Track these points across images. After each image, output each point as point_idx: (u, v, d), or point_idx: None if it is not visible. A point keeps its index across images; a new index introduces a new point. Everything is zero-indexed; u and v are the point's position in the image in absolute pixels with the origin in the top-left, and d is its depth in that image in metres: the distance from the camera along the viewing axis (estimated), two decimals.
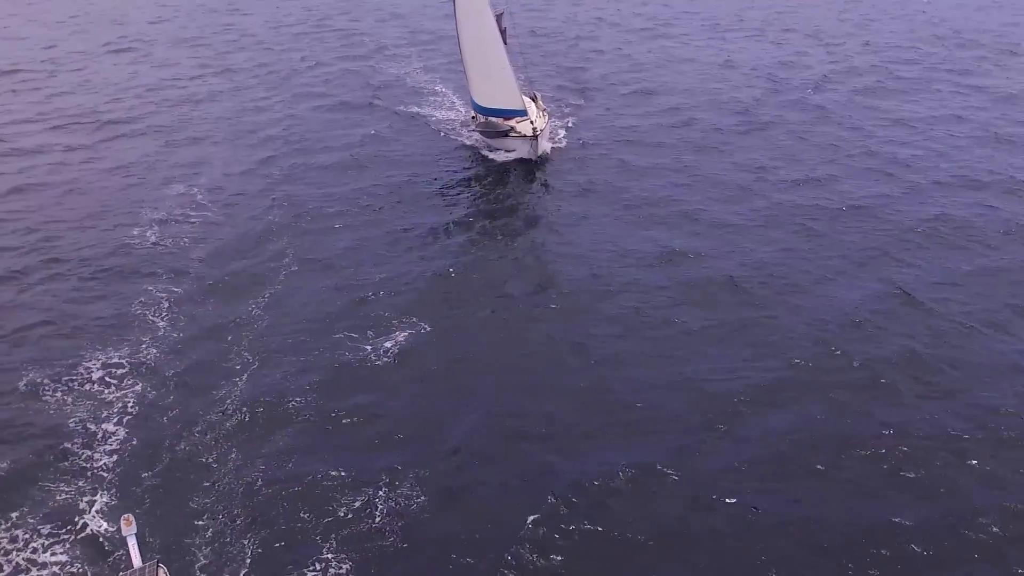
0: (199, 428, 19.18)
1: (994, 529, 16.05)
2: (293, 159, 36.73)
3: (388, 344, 22.07)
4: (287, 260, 27.00)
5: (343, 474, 17.68)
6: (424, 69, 53.05)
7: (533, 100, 38.30)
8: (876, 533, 15.99)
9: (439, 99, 46.09)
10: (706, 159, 35.55)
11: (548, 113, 38.45)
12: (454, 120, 42.01)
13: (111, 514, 16.58)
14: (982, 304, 23.86)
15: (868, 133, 38.56)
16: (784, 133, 38.61)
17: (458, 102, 44.39)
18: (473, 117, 37.81)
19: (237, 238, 28.94)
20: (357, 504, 16.86)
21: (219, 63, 56.80)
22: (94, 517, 16.62)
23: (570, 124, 39.97)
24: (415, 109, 44.24)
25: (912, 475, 17.39)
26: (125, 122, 43.15)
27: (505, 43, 36.06)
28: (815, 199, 30.93)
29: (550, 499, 16.76)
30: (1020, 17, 67.73)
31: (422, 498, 16.98)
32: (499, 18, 35.98)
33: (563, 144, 37.04)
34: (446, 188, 33.13)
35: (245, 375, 21.05)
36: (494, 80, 35.31)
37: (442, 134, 39.86)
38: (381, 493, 17.08)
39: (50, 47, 61.87)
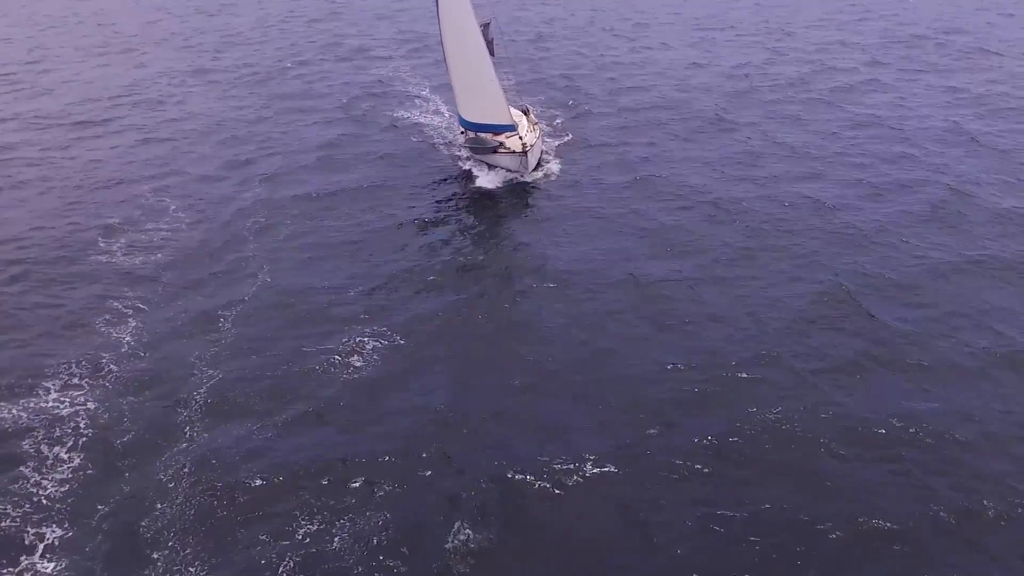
0: (156, 449, 18.36)
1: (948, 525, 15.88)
2: (269, 164, 35.89)
3: (356, 362, 21.31)
4: (258, 268, 26.19)
5: (305, 497, 16.94)
6: (411, 69, 52.65)
7: (525, 113, 36.94)
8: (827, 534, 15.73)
9: (424, 103, 45.40)
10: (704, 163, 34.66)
11: (540, 127, 37.00)
12: (438, 125, 41.27)
13: (60, 550, 15.79)
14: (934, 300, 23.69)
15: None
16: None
17: (443, 106, 43.64)
18: (463, 132, 36.40)
19: (208, 245, 28.15)
20: (315, 528, 16.17)
21: (201, 65, 56.27)
22: (43, 554, 15.77)
23: (564, 137, 38.55)
24: (400, 113, 43.54)
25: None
26: (99, 123, 42.48)
27: (492, 55, 34.65)
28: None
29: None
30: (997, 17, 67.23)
31: (382, 523, 16.24)
32: (485, 28, 34.54)
33: (555, 162, 35.35)
34: (427, 201, 32.13)
35: (207, 391, 20.22)
36: (480, 94, 33.84)
37: (427, 142, 38.94)
38: (344, 520, 16.34)
39: (35, 48, 61.06)
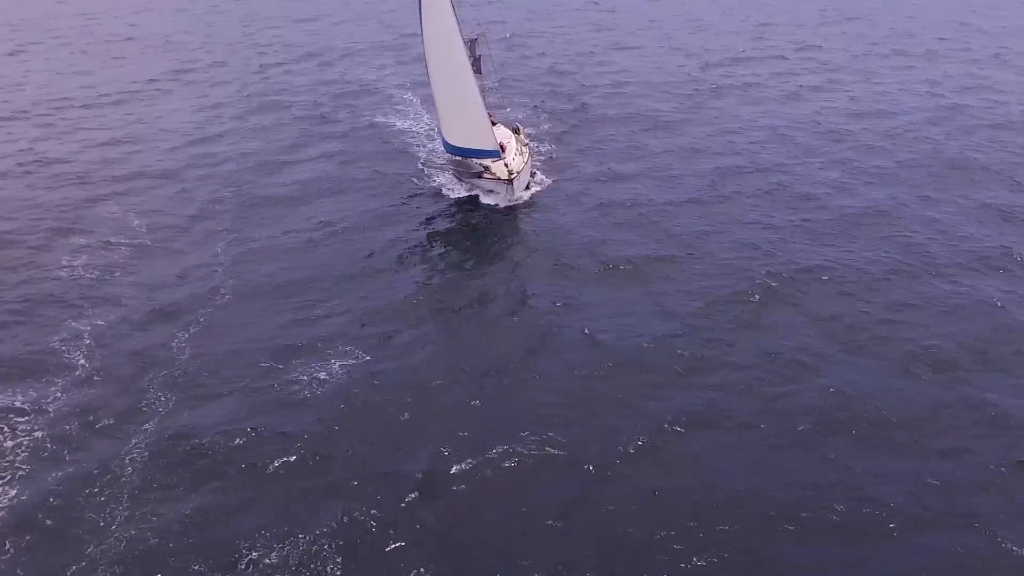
0: (98, 482, 17.44)
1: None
2: (240, 179, 34.95)
3: (323, 380, 20.53)
4: (222, 291, 25.34)
5: (256, 525, 16.16)
6: (395, 75, 51.87)
7: (516, 132, 35.47)
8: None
9: (406, 108, 44.54)
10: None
11: (529, 149, 35.00)
12: (419, 132, 40.35)
13: None
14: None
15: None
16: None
17: (425, 114, 42.68)
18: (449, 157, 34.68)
19: (171, 266, 27.27)
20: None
21: (178, 67, 55.65)
22: None
23: (552, 158, 36.93)
24: (380, 119, 42.74)
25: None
26: (67, 132, 41.60)
27: (479, 73, 33.10)
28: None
29: None
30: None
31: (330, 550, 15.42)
32: (472, 45, 32.86)
33: (544, 182, 33.75)
34: (403, 222, 30.66)
35: (157, 421, 19.37)
36: (464, 116, 32.02)
37: (408, 152, 37.88)
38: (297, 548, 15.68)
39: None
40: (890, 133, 39.94)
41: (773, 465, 17.75)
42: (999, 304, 23.99)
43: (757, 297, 24.33)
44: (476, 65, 32.94)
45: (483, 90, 32.86)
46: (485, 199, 32.13)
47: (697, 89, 48.16)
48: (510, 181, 30.97)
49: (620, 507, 16.67)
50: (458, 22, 30.96)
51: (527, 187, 32.92)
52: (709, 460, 18.01)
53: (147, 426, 19.19)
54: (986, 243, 28.15)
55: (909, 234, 28.72)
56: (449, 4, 30.61)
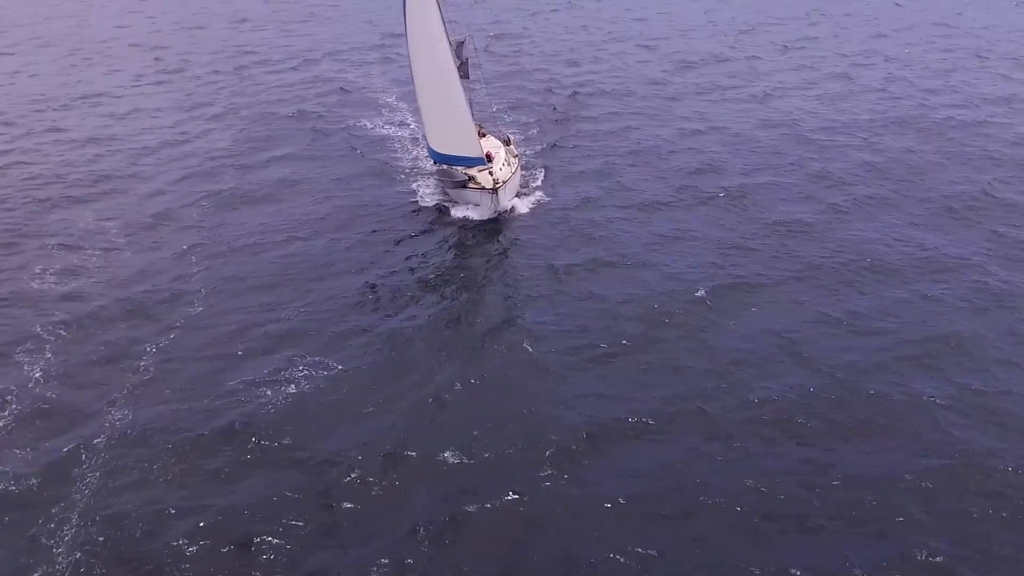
0: (45, 503, 16.47)
1: None
2: (217, 182, 33.91)
3: (288, 392, 19.55)
4: (192, 301, 24.34)
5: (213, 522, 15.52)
6: (381, 77, 51.06)
7: (506, 143, 34.09)
8: None
9: (391, 113, 43.63)
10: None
11: (519, 159, 33.63)
12: (403, 136, 39.43)
13: None
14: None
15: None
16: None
17: (410, 116, 41.72)
18: (435, 164, 33.11)
19: (142, 266, 26.41)
20: None
21: (162, 68, 54.70)
22: None
23: (543, 169, 35.17)
24: (364, 123, 41.74)
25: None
26: (47, 131, 40.60)
27: (467, 77, 31.76)
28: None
29: None
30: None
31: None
32: (459, 47, 31.60)
33: (532, 197, 31.95)
34: (384, 234, 29.27)
35: (120, 419, 18.72)
36: (449, 122, 30.71)
37: (390, 158, 36.86)
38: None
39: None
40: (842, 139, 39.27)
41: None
42: (949, 306, 23.65)
43: (709, 304, 23.75)
44: (463, 69, 31.58)
45: (470, 96, 31.68)
46: (469, 212, 30.65)
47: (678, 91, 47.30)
48: (495, 190, 29.61)
49: (575, 514, 16.19)
50: (444, 23, 29.79)
51: (511, 208, 30.84)
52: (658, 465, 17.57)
53: (109, 423, 18.69)
54: (935, 248, 27.50)
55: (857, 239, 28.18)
56: (435, 3, 29.44)
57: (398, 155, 37.22)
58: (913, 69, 53.06)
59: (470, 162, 30.86)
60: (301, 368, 20.64)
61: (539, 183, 33.84)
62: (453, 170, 31.30)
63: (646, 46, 61.00)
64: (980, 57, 56.58)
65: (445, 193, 32.24)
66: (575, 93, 47.57)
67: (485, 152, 31.39)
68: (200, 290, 24.77)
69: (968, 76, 51.11)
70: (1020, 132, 39.66)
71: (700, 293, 24.26)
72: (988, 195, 31.80)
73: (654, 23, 70.42)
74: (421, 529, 15.72)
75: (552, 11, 76.77)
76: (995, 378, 20.39)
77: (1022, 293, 24.40)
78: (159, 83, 51.05)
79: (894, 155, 36.52)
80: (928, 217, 30.04)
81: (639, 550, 15.24)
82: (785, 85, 49.19)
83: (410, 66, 31.16)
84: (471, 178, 30.72)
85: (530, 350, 21.50)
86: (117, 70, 54.37)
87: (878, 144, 37.95)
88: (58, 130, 40.96)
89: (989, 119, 41.78)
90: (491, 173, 30.12)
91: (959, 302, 23.89)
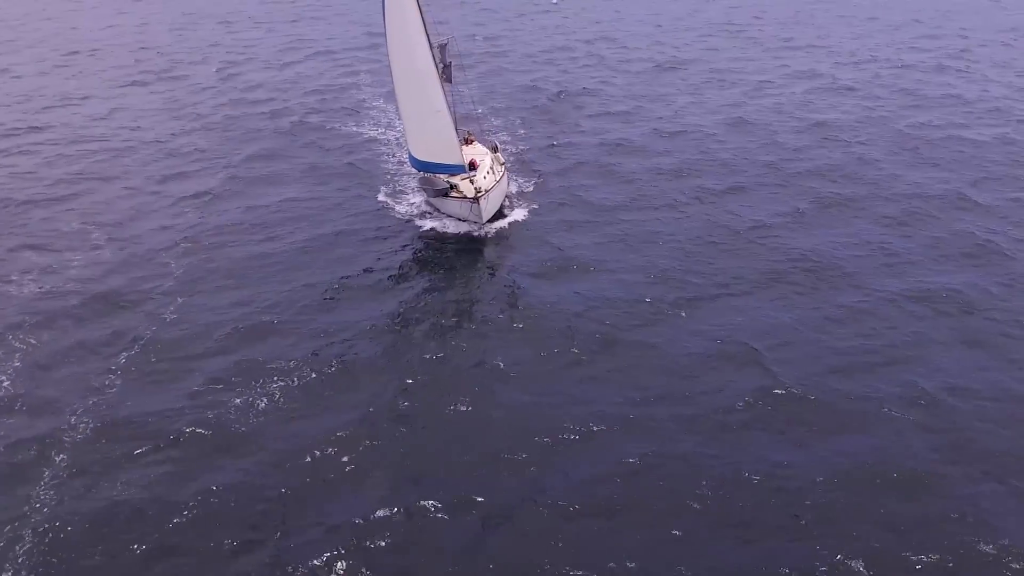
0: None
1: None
2: (201, 184, 33.76)
3: (259, 405, 19.32)
4: (166, 301, 24.20)
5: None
6: (368, 78, 50.94)
7: (493, 151, 33.18)
8: None
9: (379, 115, 43.48)
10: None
11: (506, 168, 32.74)
12: (389, 140, 39.24)
13: None
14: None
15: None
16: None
17: (396, 120, 40.98)
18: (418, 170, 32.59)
19: (120, 273, 26.11)
20: None
21: (151, 71, 54.50)
22: None
23: (534, 179, 34.35)
24: (350, 127, 41.59)
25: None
26: (29, 131, 40.44)
27: (449, 82, 30.73)
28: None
29: None
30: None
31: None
32: (442, 49, 30.43)
33: (520, 210, 31.06)
34: (359, 239, 28.87)
35: (96, 413, 18.66)
36: (429, 128, 29.83)
37: (373, 163, 36.65)
38: None
39: None
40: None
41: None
42: (915, 312, 23.72)
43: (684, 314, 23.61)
44: (446, 72, 30.72)
45: (452, 100, 30.88)
46: (451, 221, 29.99)
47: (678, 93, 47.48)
48: (476, 200, 28.65)
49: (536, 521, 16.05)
50: (424, 24, 28.95)
51: (496, 217, 30.19)
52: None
53: (77, 421, 18.75)
54: (902, 252, 27.54)
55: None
56: (415, 3, 28.57)
57: (382, 159, 37.01)
58: (893, 71, 53.35)
59: (451, 170, 30.10)
60: (270, 367, 20.63)
61: (526, 186, 33.73)
62: (435, 178, 30.68)
63: (635, 47, 61.27)
64: (960, 59, 56.96)
65: (428, 202, 31.60)
66: (560, 93, 47.76)
67: (468, 160, 30.68)
68: (174, 290, 24.71)
69: (949, 78, 51.38)
70: (997, 134, 39.85)
71: (667, 297, 24.24)
72: (963, 198, 31.76)
73: (639, 24, 70.70)
74: (378, 529, 15.65)
75: (542, 12, 77.08)
76: (956, 380, 20.43)
77: (990, 298, 24.44)
78: (144, 84, 50.90)
79: (864, 158, 36.47)
80: (897, 221, 29.91)
81: (602, 556, 15.14)
82: (771, 85, 49.47)
83: (390, 68, 30.37)
84: (453, 187, 29.93)
85: (497, 354, 21.42)
86: (102, 70, 54.25)
87: (851, 147, 37.94)
88: (39, 130, 40.78)
89: (964, 122, 41.89)
90: (472, 182, 29.39)
91: (927, 306, 23.89)
